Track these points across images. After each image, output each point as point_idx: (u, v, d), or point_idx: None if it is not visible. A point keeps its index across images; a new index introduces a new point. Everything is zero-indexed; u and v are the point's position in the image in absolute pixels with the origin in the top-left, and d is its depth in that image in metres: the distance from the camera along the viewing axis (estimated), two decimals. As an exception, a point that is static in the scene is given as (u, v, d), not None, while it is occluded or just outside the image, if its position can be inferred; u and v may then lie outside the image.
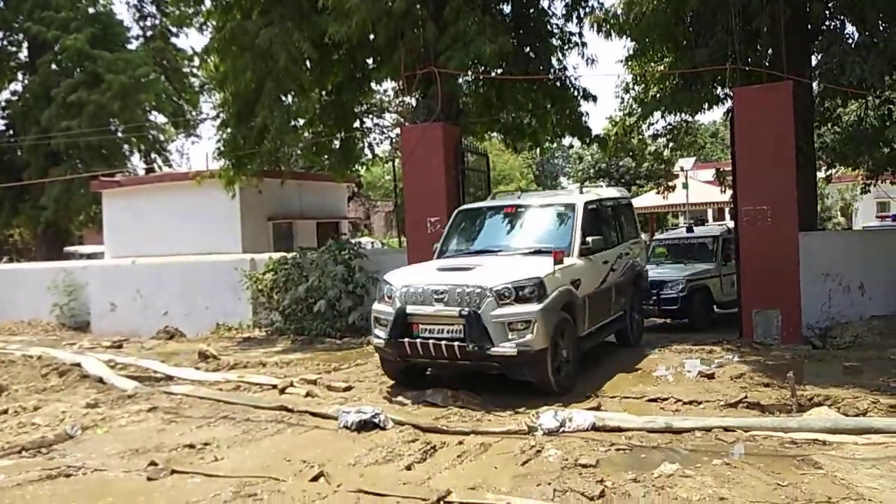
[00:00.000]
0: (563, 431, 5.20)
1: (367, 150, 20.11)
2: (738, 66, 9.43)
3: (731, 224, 12.20)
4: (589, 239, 7.49)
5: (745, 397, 6.07)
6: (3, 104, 24.59)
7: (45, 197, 21.45)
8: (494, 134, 15.64)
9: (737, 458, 4.62)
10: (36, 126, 21.97)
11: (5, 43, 23.90)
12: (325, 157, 14.85)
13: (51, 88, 21.73)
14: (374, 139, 27.25)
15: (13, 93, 24.64)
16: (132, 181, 19.11)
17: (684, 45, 11.75)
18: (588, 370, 7.55)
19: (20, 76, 24.54)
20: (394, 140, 28.33)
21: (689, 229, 14.21)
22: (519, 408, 6.13)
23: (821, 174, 18.89)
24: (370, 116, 23.99)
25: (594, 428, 5.23)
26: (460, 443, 5.23)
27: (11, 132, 23.89)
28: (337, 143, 14.27)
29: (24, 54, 24.15)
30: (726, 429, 5.16)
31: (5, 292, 15.68)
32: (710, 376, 6.99)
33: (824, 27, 11.88)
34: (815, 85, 11.03)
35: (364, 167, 23.38)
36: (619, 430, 5.22)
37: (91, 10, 23.35)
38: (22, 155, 22.97)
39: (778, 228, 8.88)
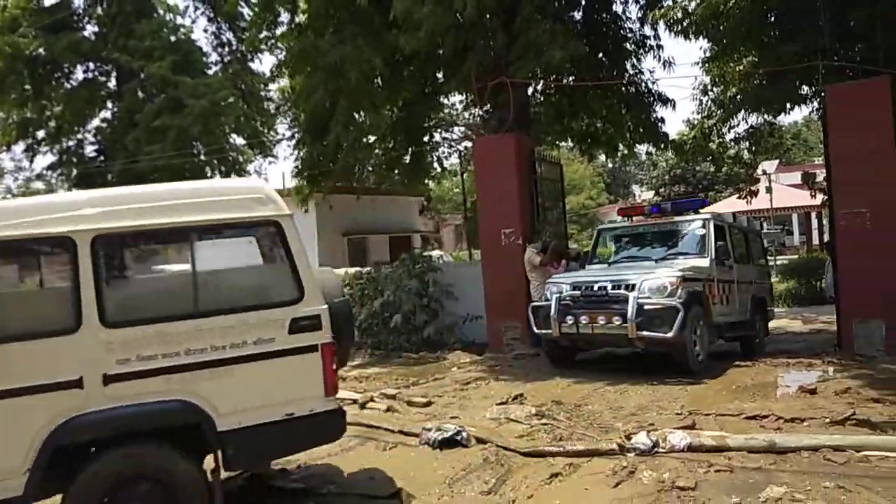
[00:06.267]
0: (657, 452, 4.94)
1: (436, 164, 20.25)
2: (830, 62, 8.91)
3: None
4: None
5: (854, 414, 5.62)
6: (94, 131, 25.96)
7: (131, 218, 22.47)
8: (566, 142, 15.39)
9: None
10: (124, 151, 23.09)
11: (96, 73, 25.26)
12: (396, 171, 14.96)
13: (136, 114, 22.82)
14: (443, 152, 27.41)
15: (103, 120, 26.01)
16: (213, 201, 19.77)
17: (768, 43, 11.23)
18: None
19: (109, 104, 25.88)
20: (462, 153, 28.38)
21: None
22: (606, 426, 5.90)
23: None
24: (439, 130, 24.13)
25: (690, 448, 4.95)
26: (548, 462, 5.04)
27: (102, 157, 25.21)
28: (407, 158, 14.36)
29: (112, 83, 25.47)
30: (836, 448, 4.79)
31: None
32: (813, 391, 6.54)
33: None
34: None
35: (434, 181, 23.52)
36: (718, 449, 4.92)
37: (172, 39, 24.41)
38: (112, 179, 24.20)
39: (879, 233, 8.30)
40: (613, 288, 7.98)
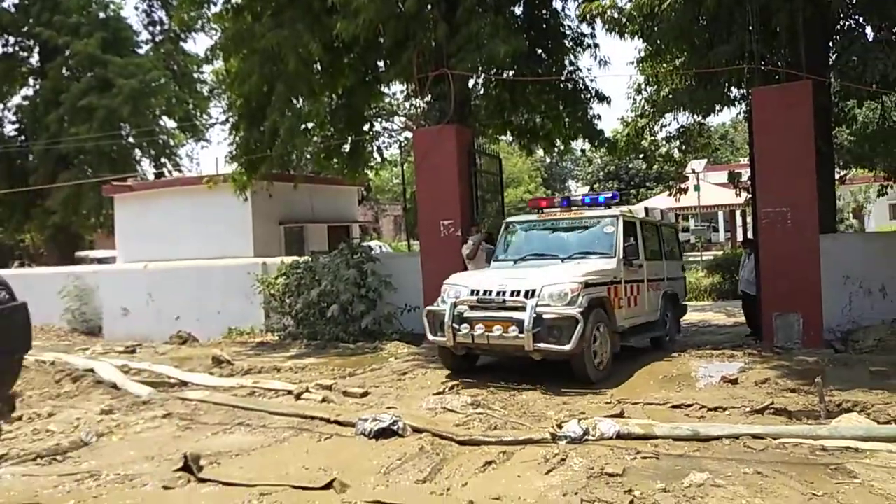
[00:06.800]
0: (588, 440, 5.08)
1: (375, 154, 20.09)
2: (757, 66, 9.29)
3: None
4: None
5: (772, 403, 5.93)
6: (14, 109, 24.68)
7: (52, 200, 21.49)
8: (506, 136, 15.54)
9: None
10: (46, 131, 22.05)
11: (17, 48, 23.98)
12: (335, 160, 14.80)
13: (61, 93, 21.80)
14: (383, 142, 27.26)
15: (24, 98, 24.74)
16: (144, 185, 19.11)
17: (699, 46, 11.62)
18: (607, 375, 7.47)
19: (31, 81, 24.62)
20: (402, 143, 28.29)
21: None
22: (539, 415, 6.03)
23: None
24: (379, 120, 23.97)
25: (619, 436, 5.11)
26: (482, 450, 5.12)
27: (23, 137, 24.00)
28: (346, 147, 14.22)
29: (35, 59, 24.23)
30: (755, 436, 5.03)
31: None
32: (734, 381, 6.86)
33: (839, 26, 11.74)
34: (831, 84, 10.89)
35: (373, 171, 23.38)
36: (645, 437, 5.10)
37: (101, 15, 23.41)
38: (33, 160, 23.07)
39: (798, 231, 8.75)
40: (512, 294, 7.38)
